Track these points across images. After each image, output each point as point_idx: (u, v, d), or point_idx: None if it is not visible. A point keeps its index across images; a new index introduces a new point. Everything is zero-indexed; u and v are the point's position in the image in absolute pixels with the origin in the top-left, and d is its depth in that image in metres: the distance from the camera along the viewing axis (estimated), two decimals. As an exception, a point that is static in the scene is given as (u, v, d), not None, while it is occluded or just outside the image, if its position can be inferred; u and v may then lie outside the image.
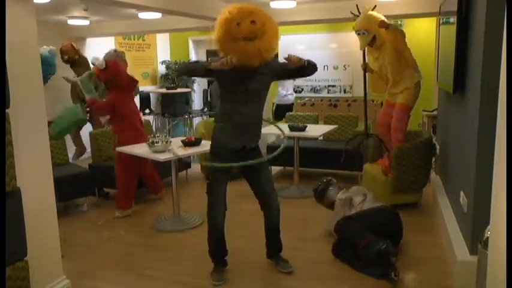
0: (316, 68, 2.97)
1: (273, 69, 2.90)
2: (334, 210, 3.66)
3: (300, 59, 2.81)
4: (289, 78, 3.09)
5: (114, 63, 4.44)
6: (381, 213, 3.45)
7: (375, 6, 4.27)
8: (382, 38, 4.19)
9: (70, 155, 5.39)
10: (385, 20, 4.10)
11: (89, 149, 5.34)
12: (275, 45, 2.79)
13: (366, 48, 4.49)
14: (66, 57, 5.81)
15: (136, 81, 4.65)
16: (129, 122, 4.45)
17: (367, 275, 2.97)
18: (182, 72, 2.92)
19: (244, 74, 2.75)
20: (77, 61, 5.88)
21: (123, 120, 4.41)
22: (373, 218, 3.37)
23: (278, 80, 2.99)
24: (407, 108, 4.28)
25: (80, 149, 6.15)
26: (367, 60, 4.59)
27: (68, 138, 6.18)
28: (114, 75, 4.35)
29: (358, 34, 4.25)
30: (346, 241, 3.24)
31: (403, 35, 4.16)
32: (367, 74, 4.67)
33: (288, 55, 2.82)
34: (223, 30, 2.68)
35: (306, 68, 2.87)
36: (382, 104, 6.32)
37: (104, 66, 4.26)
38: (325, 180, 3.87)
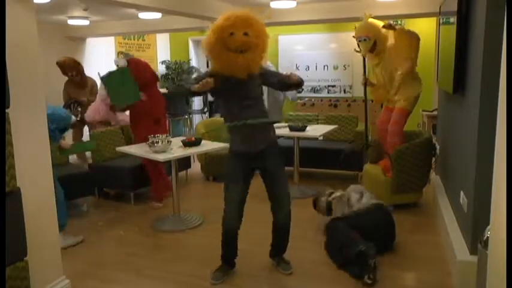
0: (302, 84, 3.01)
1: (264, 75, 2.91)
2: (333, 210, 3.70)
3: (298, 78, 2.88)
4: (277, 89, 3.16)
5: (134, 62, 4.47)
6: (371, 214, 3.46)
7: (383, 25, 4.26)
8: (383, 44, 4.19)
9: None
10: (390, 22, 4.11)
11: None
12: (263, 58, 2.81)
13: (365, 61, 4.50)
14: (74, 73, 5.74)
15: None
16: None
17: (346, 272, 3.03)
18: (180, 95, 3.04)
19: (235, 84, 2.76)
20: (81, 73, 5.86)
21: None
22: (362, 219, 3.39)
23: (264, 85, 3.02)
24: (406, 112, 4.27)
25: (83, 157, 6.14)
26: (367, 66, 4.59)
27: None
28: (137, 73, 4.38)
29: (359, 41, 4.27)
30: (332, 240, 3.32)
31: (418, 38, 4.11)
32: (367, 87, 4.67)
33: (291, 73, 2.88)
34: (216, 38, 2.68)
35: (297, 85, 2.94)
36: (382, 105, 6.32)
37: (126, 66, 4.31)
38: (319, 191, 4.02)
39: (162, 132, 4.25)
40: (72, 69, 5.73)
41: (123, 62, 4.31)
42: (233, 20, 2.66)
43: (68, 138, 6.16)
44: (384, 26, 4.11)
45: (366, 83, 4.58)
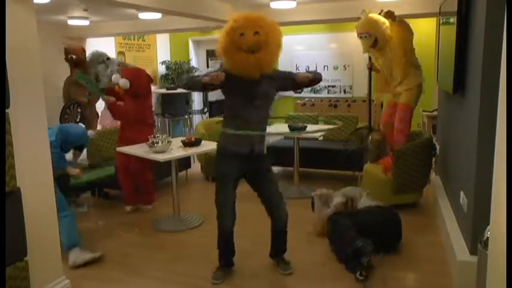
0: (321, 78, 2.98)
1: (279, 80, 2.91)
2: (314, 205, 3.78)
3: (307, 76, 2.86)
4: (296, 89, 3.10)
5: (134, 77, 4.33)
6: (375, 212, 3.49)
7: (382, 10, 4.28)
8: (384, 40, 4.20)
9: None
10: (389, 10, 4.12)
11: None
12: (277, 57, 2.79)
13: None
14: (74, 57, 5.71)
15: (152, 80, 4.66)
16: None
17: (345, 268, 3.06)
18: (184, 88, 3.01)
19: (248, 83, 2.75)
20: (82, 62, 5.85)
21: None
22: (366, 217, 3.42)
23: (283, 91, 3.03)
24: (409, 108, 4.28)
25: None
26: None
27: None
28: (137, 89, 4.31)
29: (361, 37, 4.27)
30: (335, 235, 3.33)
31: (411, 32, 4.14)
32: (372, 73, 4.68)
33: (298, 74, 2.87)
34: (228, 40, 2.69)
35: (313, 81, 2.92)
36: (382, 105, 6.32)
37: (128, 86, 4.19)
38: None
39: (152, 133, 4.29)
40: (74, 52, 5.72)
41: (123, 82, 4.18)
42: (242, 21, 2.67)
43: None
44: (385, 14, 4.09)
45: (370, 68, 4.58)
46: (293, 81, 2.93)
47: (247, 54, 2.65)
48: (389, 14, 4.08)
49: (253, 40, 2.64)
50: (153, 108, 8.16)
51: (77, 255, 3.30)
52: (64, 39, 5.91)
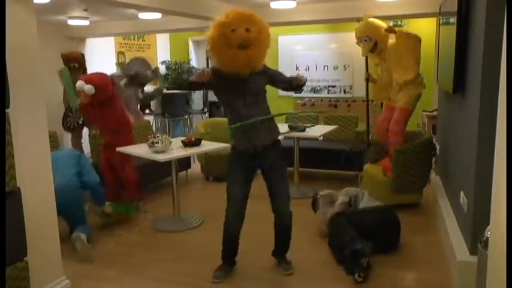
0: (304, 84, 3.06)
1: (269, 74, 2.93)
2: (318, 206, 3.79)
3: (302, 81, 2.93)
4: (282, 89, 3.11)
5: (99, 81, 4.10)
6: (375, 212, 3.49)
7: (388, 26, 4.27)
8: (383, 44, 4.19)
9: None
10: (390, 26, 4.13)
11: (87, 150, 5.33)
12: (265, 54, 2.81)
13: (367, 57, 4.50)
14: (77, 66, 5.66)
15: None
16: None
17: (343, 269, 3.06)
18: (183, 88, 3.10)
19: (238, 80, 2.76)
20: (84, 68, 5.84)
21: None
22: (365, 217, 3.42)
23: (271, 85, 3.01)
24: (407, 112, 4.27)
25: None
26: (369, 63, 4.60)
27: (68, 140, 6.17)
28: (103, 94, 4.10)
29: (360, 41, 4.27)
30: (335, 236, 3.34)
31: (418, 40, 4.10)
32: (369, 83, 4.68)
33: (298, 75, 2.93)
34: (218, 34, 2.69)
35: (301, 86, 2.99)
36: (382, 105, 6.32)
37: (93, 91, 3.98)
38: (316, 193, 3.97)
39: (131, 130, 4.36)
40: (74, 61, 5.67)
41: (88, 88, 3.96)
42: (234, 17, 2.67)
43: (67, 143, 6.15)
44: (385, 30, 4.11)
45: (368, 79, 4.58)
46: (285, 82, 2.98)
47: (238, 51, 2.66)
48: (390, 30, 4.08)
49: (245, 36, 2.65)
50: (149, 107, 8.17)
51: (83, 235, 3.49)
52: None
